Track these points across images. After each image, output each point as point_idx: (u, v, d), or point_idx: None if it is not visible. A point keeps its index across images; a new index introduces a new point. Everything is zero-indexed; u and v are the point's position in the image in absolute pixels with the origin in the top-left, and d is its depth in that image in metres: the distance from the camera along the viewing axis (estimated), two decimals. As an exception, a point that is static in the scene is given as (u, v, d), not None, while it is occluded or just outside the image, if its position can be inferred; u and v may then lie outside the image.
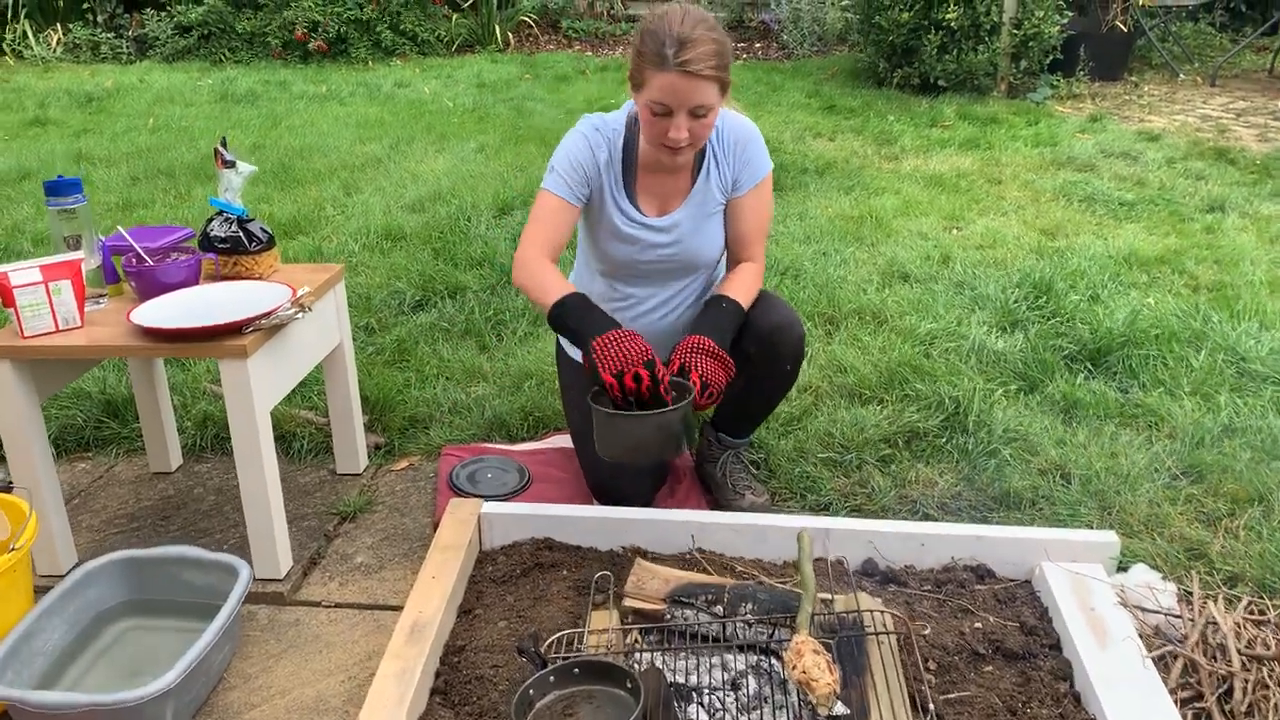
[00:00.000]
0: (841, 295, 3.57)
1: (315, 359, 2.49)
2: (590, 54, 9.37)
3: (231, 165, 2.48)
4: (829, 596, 2.09)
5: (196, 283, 2.38)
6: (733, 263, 2.39)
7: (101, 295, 2.36)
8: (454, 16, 9.46)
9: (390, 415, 2.93)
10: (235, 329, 2.13)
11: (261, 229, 2.51)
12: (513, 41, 9.52)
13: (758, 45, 9.61)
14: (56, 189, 2.28)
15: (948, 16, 6.80)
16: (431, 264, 3.94)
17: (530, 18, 9.75)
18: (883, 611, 2.01)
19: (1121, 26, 7.66)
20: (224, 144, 2.51)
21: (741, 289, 2.26)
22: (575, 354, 2.52)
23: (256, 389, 2.16)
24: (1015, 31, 6.89)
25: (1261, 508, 2.42)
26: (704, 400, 2.05)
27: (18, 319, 2.15)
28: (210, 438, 2.88)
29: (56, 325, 2.20)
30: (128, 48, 9.30)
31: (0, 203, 4.92)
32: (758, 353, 2.29)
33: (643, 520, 2.34)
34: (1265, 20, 9.31)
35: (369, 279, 3.85)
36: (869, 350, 3.17)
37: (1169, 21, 8.38)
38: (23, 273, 2.16)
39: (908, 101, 6.92)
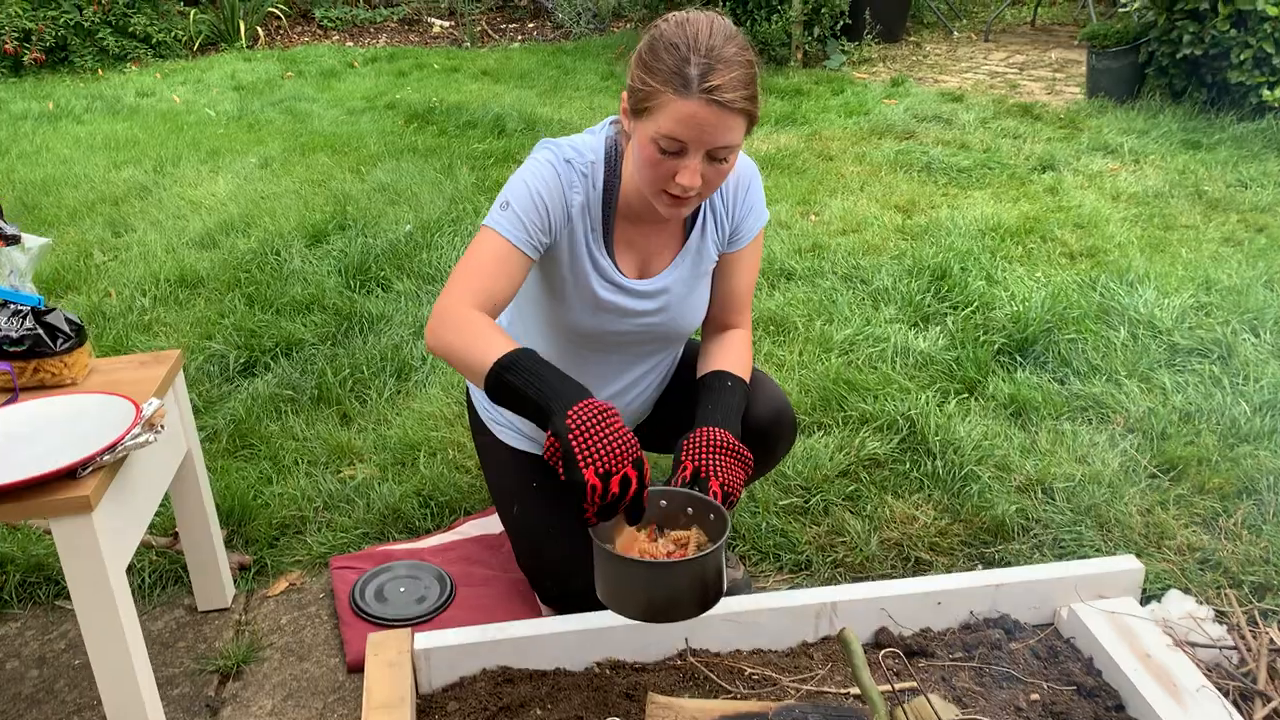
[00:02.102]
0: (735, 304, 3.24)
1: (166, 482, 1.91)
2: (351, 44, 8.62)
3: (14, 241, 1.85)
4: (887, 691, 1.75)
5: (-14, 407, 1.75)
6: (715, 328, 1.92)
7: None
8: (191, 13, 8.46)
9: (250, 524, 2.35)
10: (68, 472, 1.55)
11: (67, 319, 1.90)
12: (262, 36, 8.63)
13: (530, 26, 9.15)
14: None
15: (654, 25, 6.57)
16: (248, 314, 3.31)
17: (279, 8, 8.86)
18: None
19: (897, -12, 7.72)
20: (0, 214, 1.87)
21: (741, 365, 1.82)
22: (505, 430, 2.06)
23: (108, 548, 1.59)
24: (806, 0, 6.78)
25: (1252, 500, 2.27)
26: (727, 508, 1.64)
27: None
28: (13, 586, 2.22)
29: None
30: None
31: None
32: (750, 447, 1.80)
33: (619, 625, 1.92)
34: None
35: (172, 340, 3.19)
36: (789, 367, 2.85)
37: (936, -20, 8.57)
38: None
39: (708, 77, 6.67)
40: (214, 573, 2.16)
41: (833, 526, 2.28)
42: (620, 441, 1.44)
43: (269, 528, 2.35)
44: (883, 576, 2.16)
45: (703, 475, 1.59)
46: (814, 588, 2.06)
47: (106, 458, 1.59)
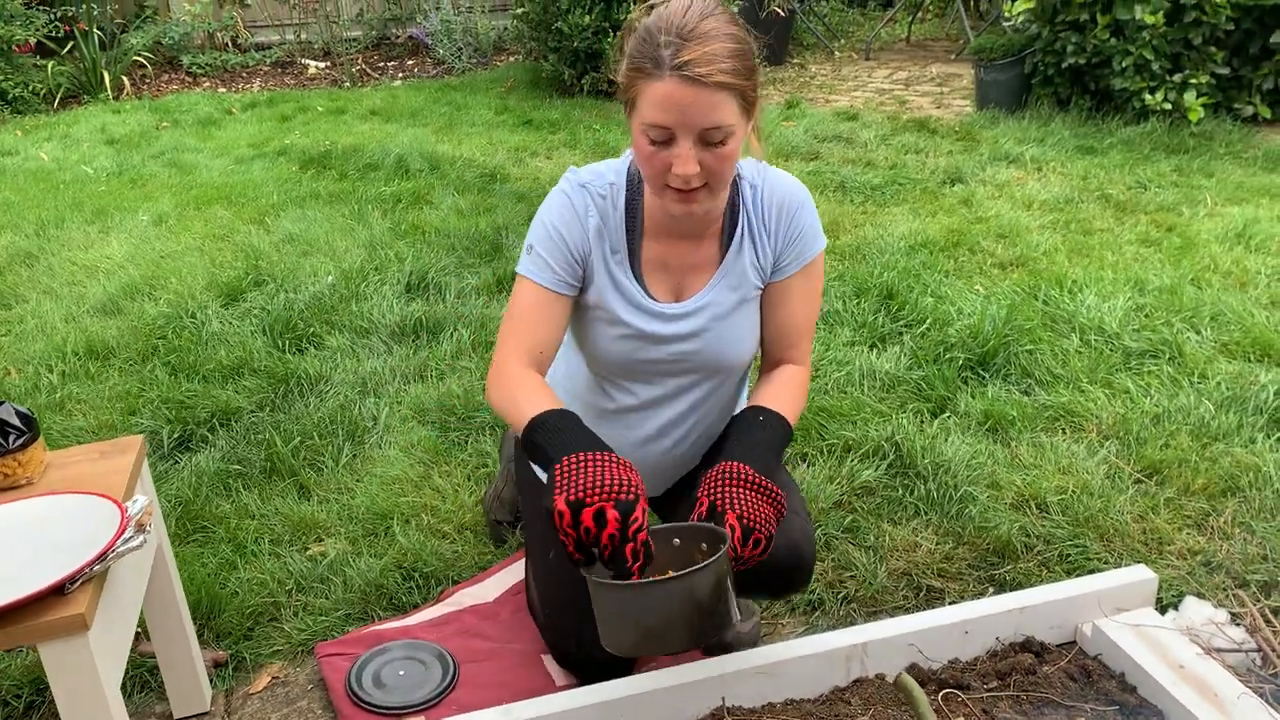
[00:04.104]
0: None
1: (144, 583, 1.73)
2: (225, 90, 8.29)
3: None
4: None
5: (-62, 519, 1.55)
6: (769, 365, 1.81)
7: None
8: (49, 64, 8.00)
9: (219, 617, 2.16)
10: (56, 589, 1.37)
11: (17, 412, 1.71)
12: (127, 86, 8.21)
13: (410, 63, 8.96)
14: None
15: (631, 16, 6.57)
16: (172, 384, 3.08)
17: (143, 56, 8.46)
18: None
19: (779, 11, 7.84)
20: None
21: (786, 399, 1.69)
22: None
23: (103, 667, 1.42)
24: (696, 25, 6.80)
25: (1237, 498, 2.32)
26: (748, 551, 1.47)
27: None
28: (-44, 712, 1.99)
29: None
30: None
31: None
32: (763, 580, 1.71)
33: (647, 693, 1.81)
34: (883, -5, 10.03)
35: (94, 419, 2.94)
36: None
37: (814, 2, 8.74)
38: None
39: (604, 108, 6.64)
40: (189, 673, 1.96)
41: (837, 561, 2.23)
42: (604, 476, 1.37)
43: (241, 618, 2.16)
44: (897, 609, 2.12)
45: (719, 509, 1.47)
46: (839, 630, 1.99)
47: (97, 568, 1.42)
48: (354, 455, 2.69)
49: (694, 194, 1.54)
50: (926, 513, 2.34)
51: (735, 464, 1.52)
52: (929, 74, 7.48)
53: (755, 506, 1.47)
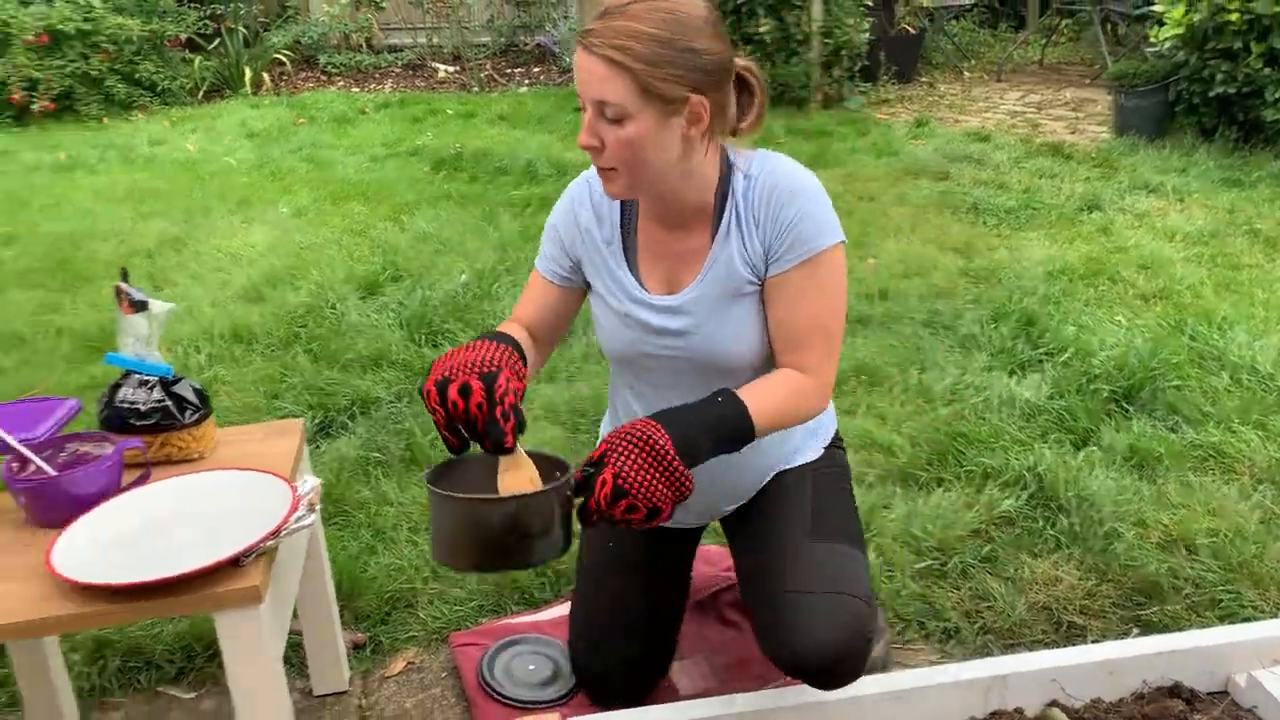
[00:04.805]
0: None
1: (301, 562, 1.79)
2: (357, 90, 8.54)
3: (142, 307, 1.73)
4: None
5: (119, 488, 1.63)
6: (775, 366, 1.64)
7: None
8: (196, 60, 8.36)
9: (359, 600, 2.22)
10: (232, 562, 1.43)
11: (193, 389, 1.78)
12: (267, 82, 8.53)
13: (536, 69, 9.11)
14: (-107, 385, 1.46)
15: (760, 29, 6.59)
16: (313, 371, 3.19)
17: (283, 54, 8.78)
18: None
19: (909, 28, 7.75)
20: (125, 278, 1.76)
21: (761, 393, 1.52)
22: None
23: (270, 639, 1.47)
24: (827, 40, 6.77)
25: (1406, 554, 2.20)
26: (619, 512, 1.35)
27: None
28: (112, 671, 2.08)
29: (-76, 598, 1.40)
30: None
31: None
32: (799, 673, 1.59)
33: (770, 709, 1.79)
34: (1016, 15, 9.83)
35: (239, 400, 3.06)
36: (895, 419, 2.76)
37: (944, 21, 8.61)
38: None
39: (730, 119, 6.64)
40: (332, 653, 2.02)
41: (975, 590, 2.18)
42: (468, 354, 1.38)
43: (380, 602, 2.22)
44: (1036, 643, 2.06)
45: (604, 462, 1.37)
46: (978, 659, 1.95)
47: (270, 543, 1.47)
48: (488, 451, 2.73)
49: (608, 174, 1.53)
50: (1069, 546, 2.27)
51: (648, 423, 1.41)
52: (1063, 98, 7.30)
53: (641, 473, 1.36)
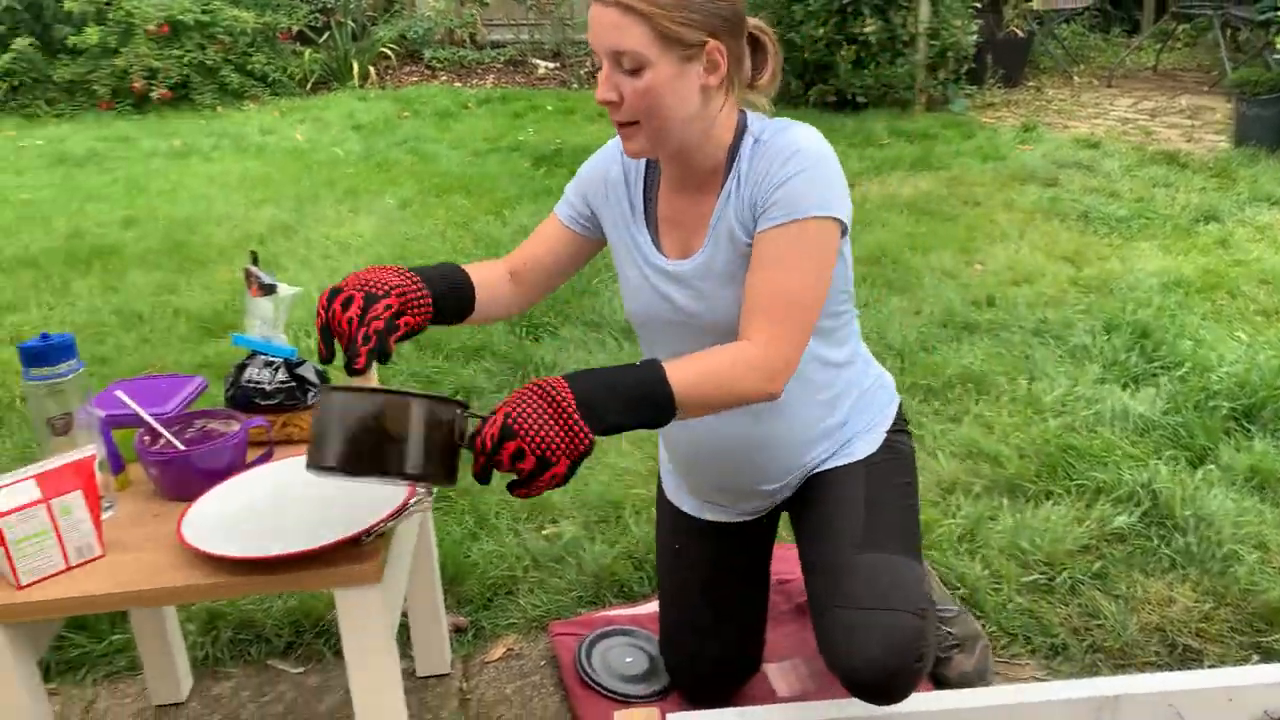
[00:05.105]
0: (926, 359, 3.10)
1: (412, 544, 1.82)
2: (460, 85, 8.67)
3: (270, 291, 1.78)
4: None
5: (243, 465, 1.68)
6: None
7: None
8: (306, 52, 8.59)
9: (463, 585, 2.26)
10: (353, 540, 1.46)
11: (316, 371, 1.83)
12: (372, 75, 8.72)
13: (636, 67, 9.14)
14: (42, 356, 1.53)
15: (866, 30, 6.51)
16: (418, 359, 3.25)
17: (389, 49, 8.96)
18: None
19: (1017, 31, 7.58)
20: (255, 261, 1.81)
21: (693, 363, 1.40)
22: (666, 473, 1.93)
23: (387, 618, 1.50)
24: (933, 42, 6.66)
25: None
26: (505, 454, 1.25)
27: (9, 560, 1.41)
28: (224, 643, 2.15)
29: (66, 561, 1.46)
30: (-82, 105, 8.00)
31: None
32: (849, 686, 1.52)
33: (866, 718, 1.77)
34: (1130, 20, 9.55)
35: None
36: (1003, 429, 2.71)
37: (1055, 24, 8.41)
38: (12, 490, 1.42)
39: (830, 120, 6.58)
40: (436, 635, 2.06)
41: (1084, 607, 2.12)
42: (368, 274, 1.42)
43: (481, 588, 2.25)
44: (1148, 664, 2.00)
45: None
46: (1088, 678, 1.90)
47: (390, 524, 1.50)
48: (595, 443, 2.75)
49: (627, 130, 1.49)
50: (1184, 567, 2.20)
51: (553, 378, 1.32)
52: (1177, 105, 7.07)
53: (534, 417, 1.26)
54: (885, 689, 1.47)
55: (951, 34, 6.64)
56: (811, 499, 1.71)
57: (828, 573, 1.57)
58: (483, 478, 1.28)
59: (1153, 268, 3.86)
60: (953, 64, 6.81)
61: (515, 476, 1.28)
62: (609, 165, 1.67)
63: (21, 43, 7.77)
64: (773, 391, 1.44)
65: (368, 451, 1.27)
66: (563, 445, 1.26)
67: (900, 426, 1.77)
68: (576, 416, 1.27)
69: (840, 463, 1.69)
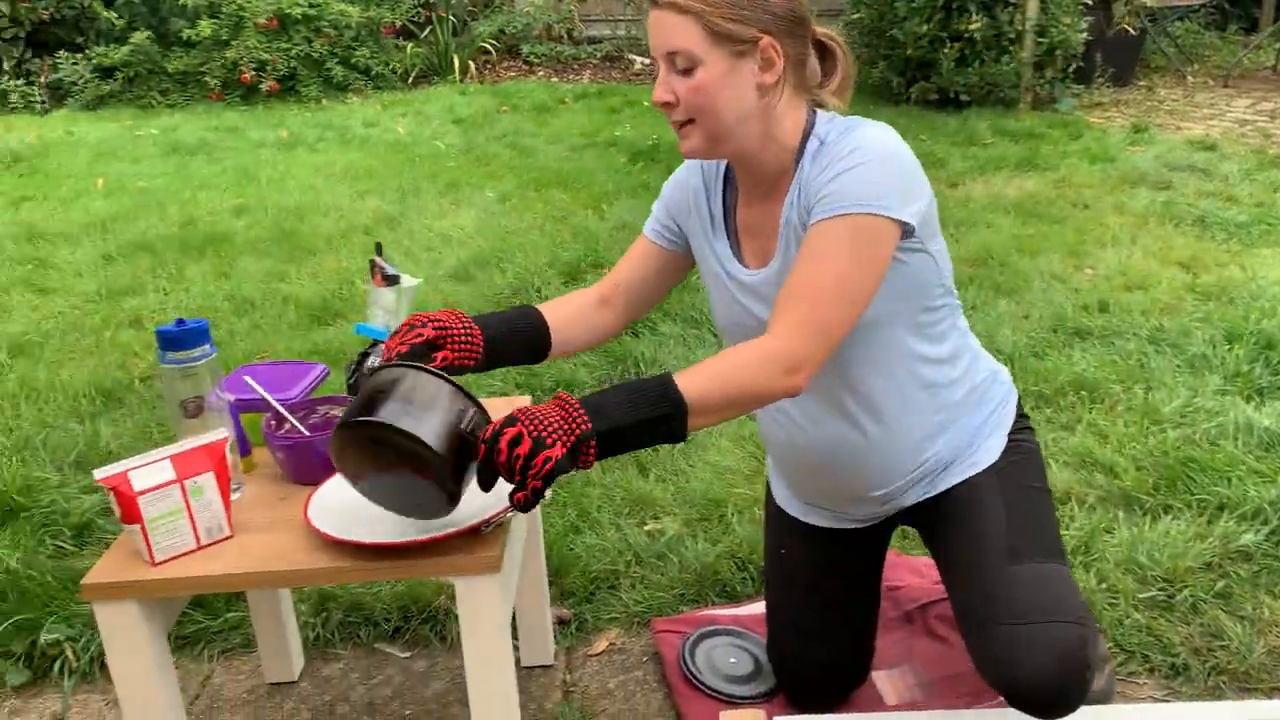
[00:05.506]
0: (1036, 365, 3.03)
1: (524, 537, 1.83)
2: (557, 80, 8.74)
3: (393, 281, 1.81)
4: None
5: (365, 449, 1.71)
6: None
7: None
8: (408, 47, 8.74)
9: (566, 577, 2.27)
10: (474, 530, 1.48)
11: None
12: (472, 70, 8.83)
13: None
14: (178, 341, 1.58)
15: (970, 27, 6.37)
16: (519, 351, 3.27)
17: (489, 44, 9.07)
18: None
19: (1128, 29, 7.35)
20: (380, 251, 1.84)
21: (705, 363, 1.40)
22: (774, 476, 1.92)
23: (504, 606, 1.51)
24: (1040, 40, 6.49)
25: None
26: (504, 440, 1.26)
27: (144, 538, 1.46)
28: (335, 624, 2.19)
29: (198, 540, 1.51)
30: (40, 96, 8.33)
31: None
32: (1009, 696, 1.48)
33: (998, 726, 1.73)
34: (1248, 17, 9.19)
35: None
36: (1118, 439, 2.63)
37: (1168, 22, 8.14)
38: (148, 470, 1.47)
39: (932, 119, 6.46)
40: (541, 626, 2.08)
41: (1206, 627, 2.05)
42: (429, 314, 1.54)
43: (585, 581, 2.26)
44: (1275, 689, 1.92)
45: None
46: (1213, 702, 1.84)
47: (509, 515, 1.51)
48: (689, 440, 2.74)
49: (683, 129, 1.50)
50: (1315, 588, 2.11)
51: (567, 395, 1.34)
52: (1300, 106, 6.78)
53: (539, 410, 1.30)
54: (1056, 703, 1.44)
55: (1060, 31, 6.46)
56: (945, 513, 1.66)
57: (982, 587, 1.53)
58: (485, 471, 1.31)
59: (1276, 275, 3.71)
60: (1061, 62, 6.64)
61: (519, 482, 1.28)
62: (689, 176, 1.68)
63: (139, 36, 8.05)
64: (792, 386, 1.39)
65: (376, 407, 1.33)
66: (560, 427, 1.28)
67: (1021, 424, 1.72)
68: (576, 404, 1.31)
69: (968, 474, 1.65)
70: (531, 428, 1.27)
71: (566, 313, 1.69)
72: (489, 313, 1.60)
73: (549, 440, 1.27)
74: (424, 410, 1.33)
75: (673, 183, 1.70)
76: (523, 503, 1.29)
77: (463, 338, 1.53)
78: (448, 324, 1.52)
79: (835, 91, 1.55)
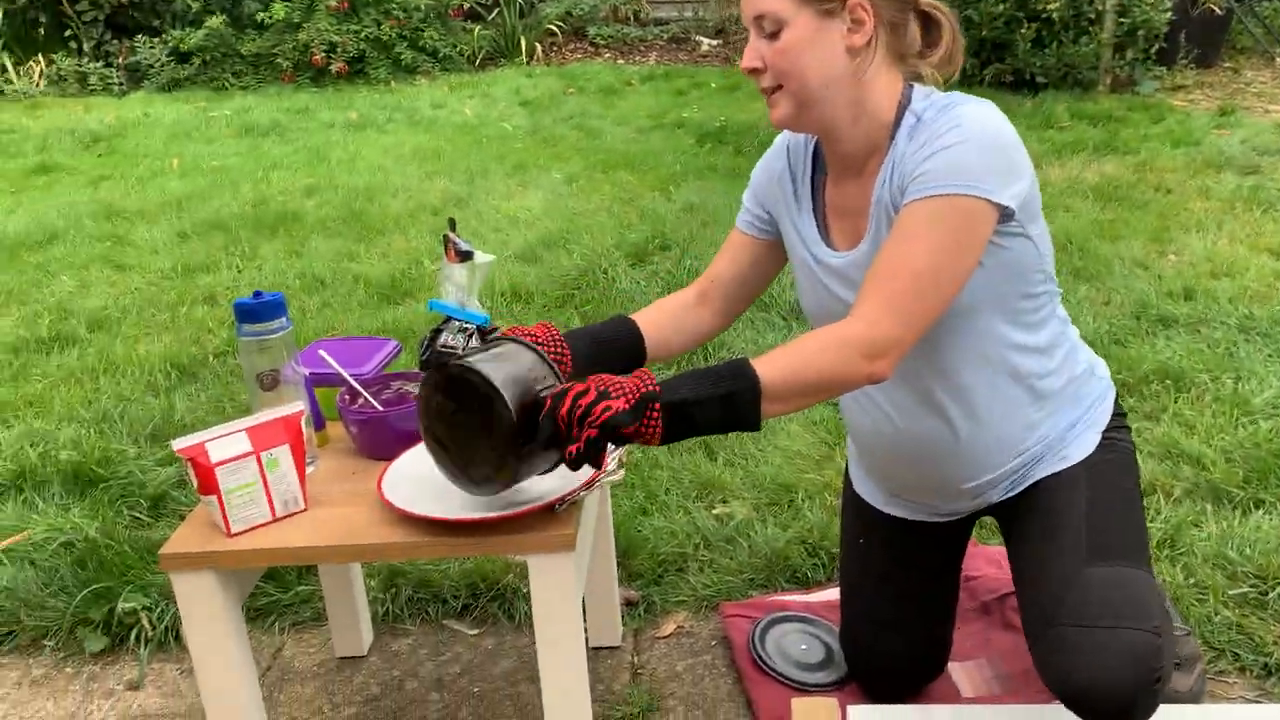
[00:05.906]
0: (1119, 353, 2.94)
1: (595, 517, 1.82)
2: (622, 62, 8.71)
3: (467, 257, 1.79)
4: None
5: (438, 426, 1.70)
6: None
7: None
8: (475, 29, 8.76)
9: (634, 559, 2.25)
10: (548, 508, 1.46)
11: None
12: (538, 52, 8.84)
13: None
14: (255, 313, 1.58)
15: (1049, 7, 6.21)
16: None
17: (555, 25, 9.06)
18: None
19: (1214, 8, 7.10)
20: (453, 227, 1.83)
21: (788, 348, 1.35)
22: (854, 465, 1.86)
23: (577, 585, 1.49)
24: (1122, 20, 6.30)
25: None
26: (568, 398, 1.27)
27: (221, 509, 1.47)
28: (404, 601, 2.20)
29: (273, 512, 1.51)
30: (119, 78, 8.51)
31: (34, 277, 4.16)
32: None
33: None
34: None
35: (516, 355, 3.16)
36: (1206, 430, 2.53)
37: (1256, 2, 7.85)
38: (225, 442, 1.48)
39: (1007, 101, 6.30)
40: (609, 607, 2.06)
41: (1300, 625, 1.97)
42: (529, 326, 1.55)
43: (652, 563, 2.24)
44: (1374, 693, 1.84)
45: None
46: (1307, 701, 1.76)
47: (583, 494, 1.49)
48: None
49: (772, 97, 1.45)
50: None
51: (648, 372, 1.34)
52: (1398, 91, 6.51)
53: (611, 375, 1.32)
54: (1114, 713, 1.35)
55: (1143, 11, 6.27)
56: (1026, 506, 1.59)
57: (1051, 587, 1.45)
58: (548, 425, 1.28)
59: (1372, 263, 3.56)
60: (1142, 43, 6.43)
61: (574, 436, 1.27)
62: (772, 159, 1.64)
63: (214, 20, 8.18)
64: (874, 373, 1.34)
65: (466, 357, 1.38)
66: (627, 385, 1.29)
67: (1118, 422, 1.65)
68: (650, 374, 1.32)
69: (1057, 467, 1.58)
70: (600, 384, 1.29)
71: (661, 316, 1.67)
72: (579, 327, 1.59)
73: (614, 393, 1.27)
74: (505, 361, 1.37)
75: (760, 169, 1.67)
76: (575, 456, 1.27)
77: (551, 352, 1.50)
78: (540, 338, 1.52)
79: (937, 65, 1.48)
